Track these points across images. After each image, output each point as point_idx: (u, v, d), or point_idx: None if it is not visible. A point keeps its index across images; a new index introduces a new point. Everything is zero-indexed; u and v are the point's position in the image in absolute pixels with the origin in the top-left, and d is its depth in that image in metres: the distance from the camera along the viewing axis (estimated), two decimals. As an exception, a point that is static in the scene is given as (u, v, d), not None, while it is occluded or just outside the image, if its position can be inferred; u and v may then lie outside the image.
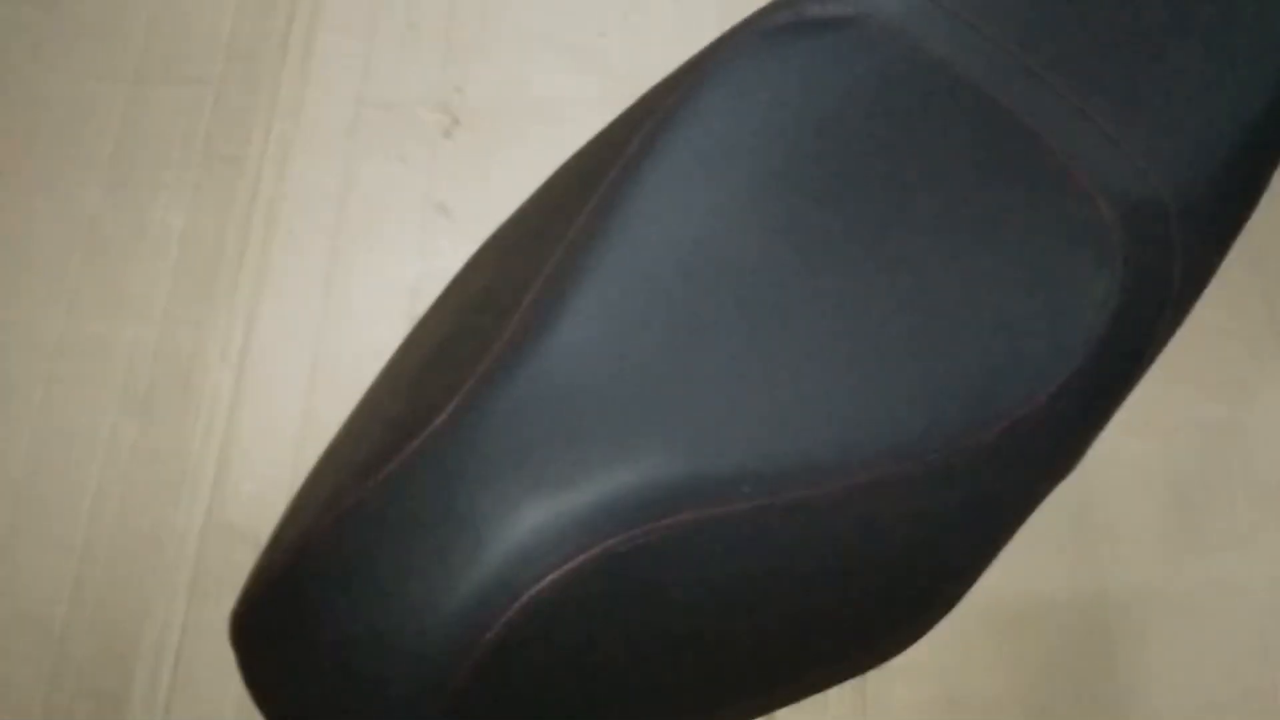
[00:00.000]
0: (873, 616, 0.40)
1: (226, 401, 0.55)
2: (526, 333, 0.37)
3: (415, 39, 0.63)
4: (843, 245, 0.40)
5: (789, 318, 0.38)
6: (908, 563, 0.40)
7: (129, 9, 0.63)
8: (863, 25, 0.43)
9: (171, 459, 0.53)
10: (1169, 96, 0.44)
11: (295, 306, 0.57)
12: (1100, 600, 0.50)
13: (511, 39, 0.63)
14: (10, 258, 0.57)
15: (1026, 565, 0.47)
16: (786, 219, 0.40)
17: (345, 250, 0.58)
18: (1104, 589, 0.50)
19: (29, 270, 0.57)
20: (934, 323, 0.39)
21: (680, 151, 0.40)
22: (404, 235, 0.58)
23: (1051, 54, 0.44)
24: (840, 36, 0.43)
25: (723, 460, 0.36)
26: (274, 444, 0.54)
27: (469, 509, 0.35)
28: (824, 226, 0.40)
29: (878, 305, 0.39)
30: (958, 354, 0.39)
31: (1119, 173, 0.42)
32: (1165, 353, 0.46)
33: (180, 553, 0.52)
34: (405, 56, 0.62)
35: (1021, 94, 0.43)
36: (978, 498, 0.40)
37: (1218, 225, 0.45)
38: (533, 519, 0.34)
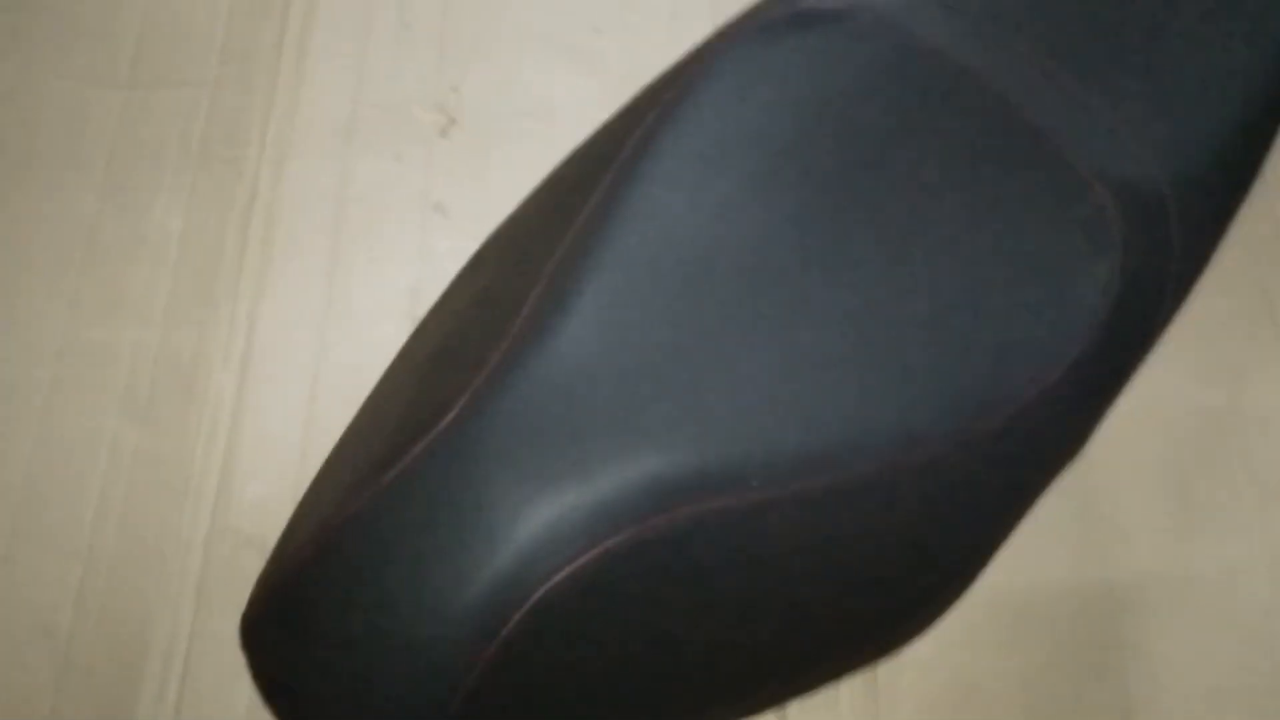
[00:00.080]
0: (883, 607, 0.41)
1: (229, 404, 0.54)
2: (531, 330, 0.37)
3: (410, 39, 0.63)
4: (845, 237, 0.40)
5: (794, 309, 0.38)
6: (916, 552, 0.40)
7: (121, 13, 0.63)
8: (859, 17, 0.43)
9: (175, 463, 0.53)
10: (1164, 83, 0.44)
11: (296, 307, 0.56)
12: (1105, 587, 0.50)
13: (506, 38, 0.63)
14: (8, 263, 0.57)
15: (1031, 553, 0.47)
16: (788, 210, 0.40)
17: (344, 251, 0.58)
18: (1108, 576, 0.50)
19: (27, 276, 0.57)
20: (937, 311, 0.39)
21: (681, 146, 0.40)
22: (403, 235, 0.58)
23: (1046, 42, 0.44)
24: (837, 28, 0.43)
25: (731, 452, 0.36)
26: (278, 446, 0.53)
27: (478, 508, 0.35)
28: (826, 218, 0.40)
29: (881, 295, 0.39)
30: (961, 342, 0.39)
31: (1116, 159, 0.42)
32: (1163, 341, 0.47)
33: (186, 557, 0.52)
34: (400, 56, 0.62)
35: (1017, 82, 0.43)
36: (984, 485, 0.40)
37: (1214, 210, 0.45)
38: (542, 516, 0.35)
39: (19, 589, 0.51)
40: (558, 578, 0.34)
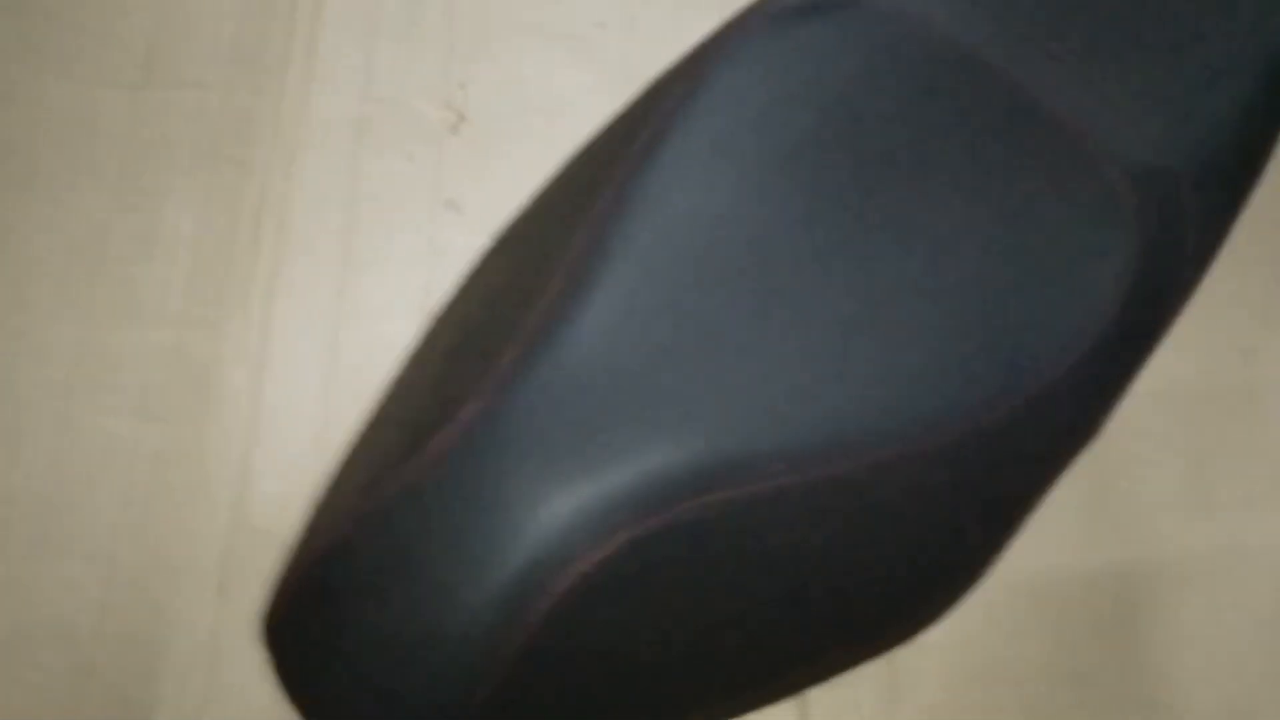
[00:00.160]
0: (903, 591, 0.41)
1: (245, 403, 0.55)
2: (548, 324, 0.37)
3: (418, 36, 0.63)
4: (858, 226, 0.40)
5: (810, 295, 0.38)
6: (935, 536, 0.40)
7: (129, 16, 0.63)
8: (871, 6, 0.43)
9: (192, 464, 0.54)
10: (1174, 63, 0.44)
11: (309, 305, 0.57)
12: (1123, 566, 0.50)
13: (513, 34, 0.63)
14: (20, 268, 0.57)
15: (1048, 534, 0.47)
16: (802, 200, 0.40)
17: (356, 248, 0.58)
18: (1125, 556, 0.51)
19: (40, 281, 0.57)
20: (954, 296, 0.39)
21: (696, 136, 0.40)
22: (415, 232, 0.58)
23: (1056, 27, 0.44)
24: (848, 16, 0.43)
25: (750, 439, 0.36)
26: (294, 444, 0.54)
27: (499, 502, 0.35)
28: (839, 207, 0.40)
29: (899, 281, 0.39)
30: (979, 327, 0.39)
31: (1128, 141, 0.42)
32: (1175, 323, 0.47)
33: (205, 557, 0.52)
34: (408, 54, 0.62)
35: (1028, 68, 0.43)
36: (1002, 469, 0.40)
37: (1228, 190, 0.45)
38: (564, 508, 0.35)
39: (38, 592, 0.51)
40: (582, 569, 0.34)
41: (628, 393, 0.36)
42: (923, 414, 0.37)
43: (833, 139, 0.41)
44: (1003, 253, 0.40)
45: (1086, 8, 0.45)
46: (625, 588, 0.35)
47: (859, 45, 0.42)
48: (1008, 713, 0.49)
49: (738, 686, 0.40)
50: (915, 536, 0.39)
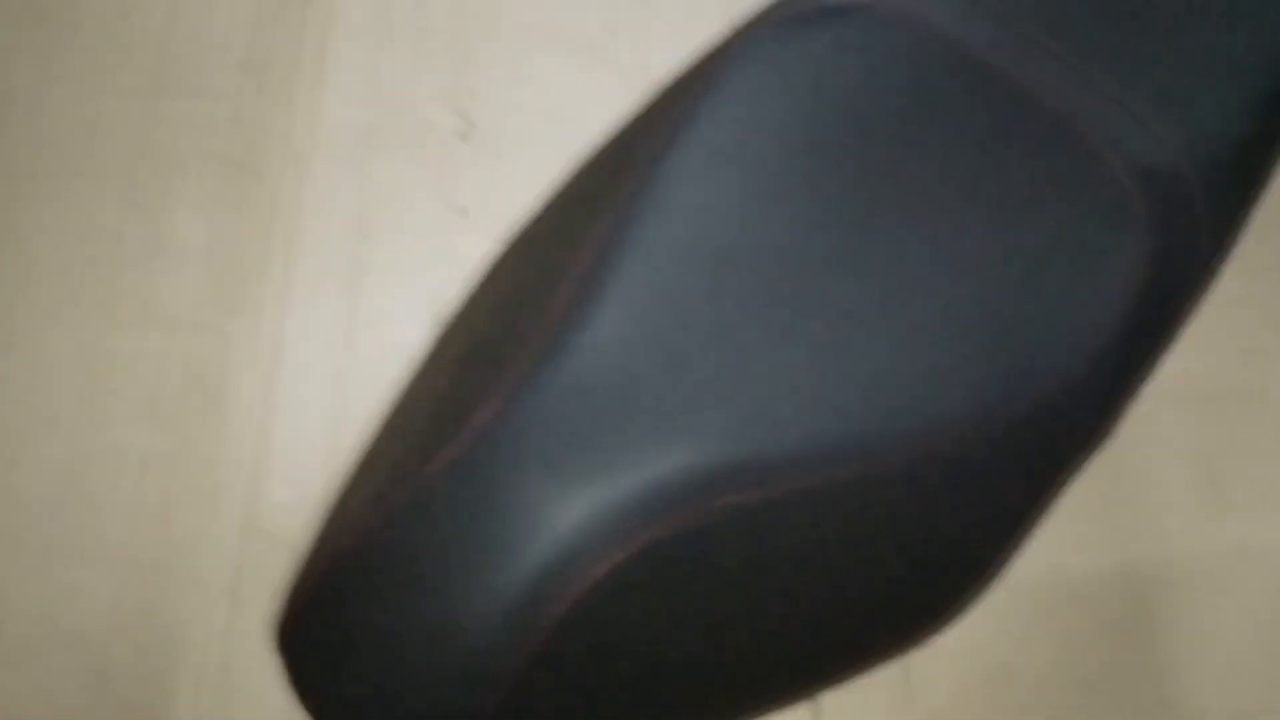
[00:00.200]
0: (917, 594, 0.41)
1: (257, 409, 0.55)
2: (561, 328, 0.37)
3: (427, 43, 0.63)
4: (869, 229, 0.40)
5: (825, 299, 0.38)
6: (950, 539, 0.40)
7: (141, 25, 0.63)
8: (880, 10, 0.43)
9: (205, 469, 0.54)
10: (1185, 65, 0.44)
11: (319, 311, 0.57)
12: (1134, 567, 0.50)
13: (521, 41, 0.63)
14: (34, 276, 0.58)
15: (1060, 535, 0.47)
16: (813, 204, 0.40)
17: (367, 254, 0.58)
18: (1137, 556, 0.50)
19: (54, 288, 0.57)
20: (964, 300, 0.39)
21: (709, 139, 0.40)
22: (425, 238, 0.59)
23: (1064, 29, 0.44)
24: (855, 21, 0.43)
25: (762, 444, 0.36)
26: (306, 449, 0.54)
27: (514, 506, 0.35)
28: (850, 211, 0.40)
29: (906, 286, 0.39)
30: (989, 330, 0.39)
31: (1140, 144, 0.42)
32: (1190, 322, 0.47)
33: (218, 562, 0.52)
34: (418, 61, 0.63)
35: (1038, 71, 0.43)
36: (1013, 473, 0.40)
37: (1238, 191, 0.45)
38: (579, 512, 0.35)
39: (52, 598, 0.52)
40: (595, 575, 0.34)
41: (639, 399, 0.36)
42: (939, 417, 0.37)
43: (841, 144, 0.41)
44: (1012, 256, 0.40)
45: (1094, 12, 0.45)
46: (638, 592, 0.35)
47: (866, 50, 0.42)
48: (1018, 715, 0.49)
49: (750, 690, 0.40)
50: (926, 539, 0.39)
